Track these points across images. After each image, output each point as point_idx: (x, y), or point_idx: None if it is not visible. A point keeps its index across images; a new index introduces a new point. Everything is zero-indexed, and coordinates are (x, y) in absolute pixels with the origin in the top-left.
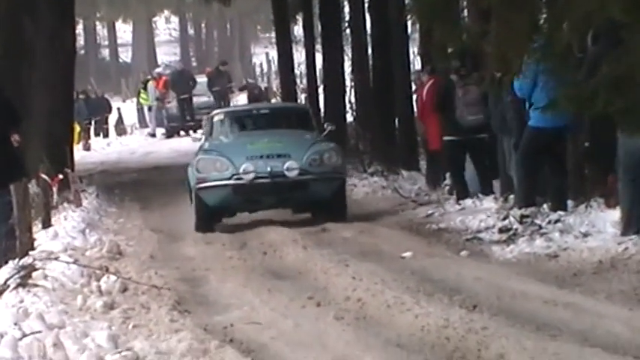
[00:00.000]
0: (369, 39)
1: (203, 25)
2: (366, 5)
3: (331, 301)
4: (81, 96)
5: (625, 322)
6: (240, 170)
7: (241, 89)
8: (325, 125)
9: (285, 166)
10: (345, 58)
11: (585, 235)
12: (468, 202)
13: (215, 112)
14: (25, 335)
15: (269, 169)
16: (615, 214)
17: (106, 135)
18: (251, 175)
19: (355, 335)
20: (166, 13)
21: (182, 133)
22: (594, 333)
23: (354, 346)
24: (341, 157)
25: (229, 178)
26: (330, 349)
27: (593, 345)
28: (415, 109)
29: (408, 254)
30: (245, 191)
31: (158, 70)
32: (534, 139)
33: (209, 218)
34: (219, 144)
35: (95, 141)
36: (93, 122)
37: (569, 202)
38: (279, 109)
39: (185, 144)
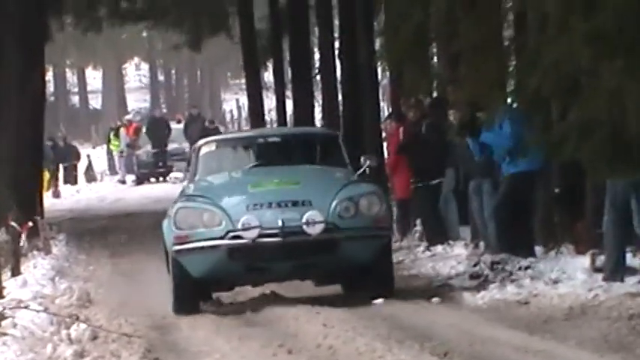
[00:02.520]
0: (339, 85)
1: (173, 71)
2: (336, 52)
3: (302, 348)
4: (48, 142)
5: None
6: (239, 225)
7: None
8: (362, 159)
9: (304, 219)
10: (316, 104)
11: (556, 281)
12: (439, 248)
13: (203, 141)
14: None
15: (280, 222)
16: (585, 260)
17: (74, 182)
18: (254, 232)
19: None
20: (136, 59)
21: (152, 179)
22: None
23: None
24: (385, 204)
25: (223, 237)
26: None
27: None
28: (385, 157)
29: (379, 301)
30: (246, 255)
31: (128, 116)
32: (513, 185)
33: (193, 295)
34: (208, 187)
35: (64, 188)
36: (62, 169)
37: (539, 249)
38: (296, 135)
39: (156, 190)
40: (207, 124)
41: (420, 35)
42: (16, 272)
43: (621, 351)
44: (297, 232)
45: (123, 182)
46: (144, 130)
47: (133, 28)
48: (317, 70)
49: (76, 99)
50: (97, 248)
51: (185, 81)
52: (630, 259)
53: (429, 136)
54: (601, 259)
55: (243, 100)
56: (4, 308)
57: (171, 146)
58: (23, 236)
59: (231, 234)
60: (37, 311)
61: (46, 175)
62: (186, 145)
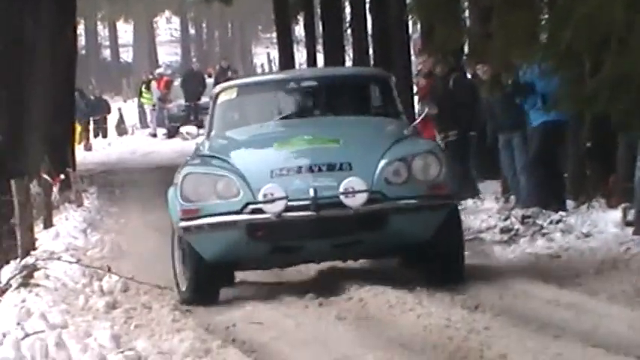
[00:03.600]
0: (370, 39)
1: (204, 25)
2: (367, 5)
3: (333, 302)
4: (79, 95)
5: (627, 322)
6: (260, 195)
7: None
8: (419, 107)
9: (342, 187)
10: (347, 58)
11: (587, 235)
12: (469, 202)
13: (222, 86)
14: (27, 335)
15: (312, 192)
16: (617, 213)
17: (105, 135)
18: (279, 205)
19: (357, 335)
20: (167, 13)
21: (184, 132)
22: (596, 333)
23: (356, 345)
24: (445, 165)
25: (241, 211)
26: (332, 349)
27: (595, 345)
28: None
29: None
30: (270, 234)
31: (159, 70)
32: (544, 134)
33: (206, 282)
34: (226, 146)
35: (95, 141)
36: (92, 122)
37: (571, 202)
38: (337, 77)
39: (187, 144)
40: (230, 74)
41: None
42: (48, 224)
43: None
44: (332, 203)
45: (154, 135)
46: (176, 83)
47: None
48: (348, 24)
49: (107, 52)
50: (129, 201)
51: (216, 34)
52: None
53: (456, 90)
54: (632, 213)
55: (274, 54)
56: (37, 260)
57: (203, 100)
58: (55, 189)
59: (251, 207)
60: (70, 262)
61: (78, 128)
62: None
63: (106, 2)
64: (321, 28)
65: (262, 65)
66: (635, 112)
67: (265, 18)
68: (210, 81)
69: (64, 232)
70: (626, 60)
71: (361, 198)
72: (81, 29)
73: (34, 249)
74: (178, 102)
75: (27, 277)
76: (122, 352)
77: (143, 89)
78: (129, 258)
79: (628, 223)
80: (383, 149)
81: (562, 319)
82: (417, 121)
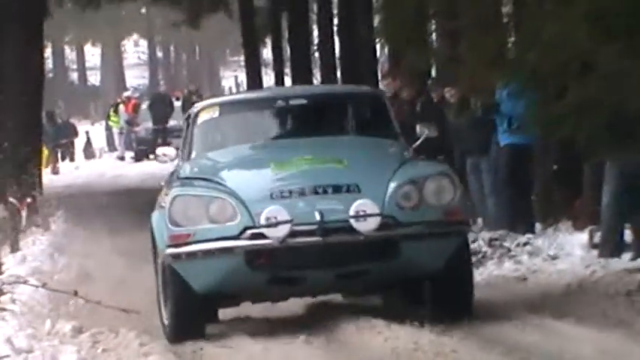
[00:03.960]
0: (337, 62)
1: (172, 48)
2: (335, 28)
3: (302, 325)
4: (46, 119)
5: (594, 344)
6: (262, 219)
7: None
8: (418, 129)
9: (352, 210)
10: (314, 81)
11: (554, 257)
12: None
13: (201, 104)
14: None
15: (318, 215)
16: (583, 236)
17: (72, 159)
18: (283, 229)
19: (326, 359)
20: (135, 36)
21: (151, 156)
22: (563, 356)
23: None
24: (459, 189)
25: (239, 236)
26: None
27: None
28: None
29: None
30: (271, 262)
31: (127, 93)
32: (510, 157)
33: (196, 317)
34: (213, 167)
35: (63, 165)
36: (60, 146)
37: (538, 225)
38: (328, 95)
39: (155, 167)
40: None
41: (420, 12)
42: (15, 248)
43: (620, 327)
44: (341, 228)
45: (122, 159)
46: (143, 106)
47: (132, 4)
48: (315, 47)
49: (74, 76)
50: (96, 224)
51: (184, 58)
52: (627, 236)
53: (424, 113)
54: (598, 236)
55: (242, 77)
56: (3, 284)
57: (171, 123)
58: (22, 213)
59: (251, 231)
60: (36, 287)
61: (45, 152)
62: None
63: (74, 25)
64: (289, 50)
65: (230, 88)
66: (600, 137)
67: (233, 41)
68: (177, 104)
69: (30, 256)
70: (589, 85)
71: (374, 222)
72: (48, 52)
73: (1, 273)
74: (146, 125)
75: None
76: None
77: (111, 112)
78: (96, 282)
79: (594, 246)
80: (391, 170)
81: (529, 343)
82: (417, 143)
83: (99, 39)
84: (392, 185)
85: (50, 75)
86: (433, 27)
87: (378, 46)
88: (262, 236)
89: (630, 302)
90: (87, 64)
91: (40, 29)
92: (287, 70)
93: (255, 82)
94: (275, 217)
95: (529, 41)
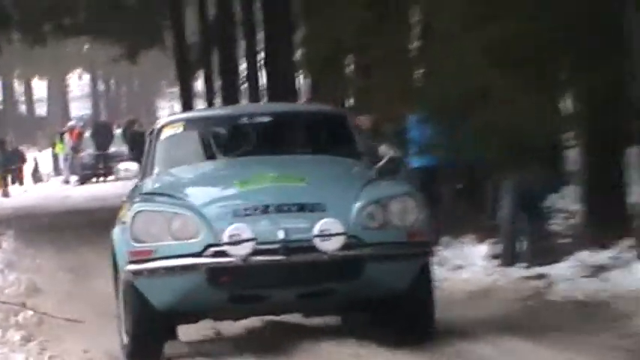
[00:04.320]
0: (265, 92)
1: (112, 81)
2: (261, 62)
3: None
4: None
5: (493, 345)
6: (225, 236)
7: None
8: (380, 150)
9: (317, 229)
10: None
11: (459, 267)
12: None
13: (164, 120)
14: None
15: (282, 234)
16: (485, 248)
17: (21, 183)
18: (246, 247)
19: None
20: (79, 70)
21: (94, 180)
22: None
23: None
24: (423, 210)
25: (201, 253)
26: None
27: None
28: None
29: None
30: (233, 280)
31: (71, 123)
32: (421, 178)
33: (155, 334)
34: (175, 183)
35: (13, 188)
36: (9, 171)
37: (444, 239)
38: (292, 114)
39: (98, 189)
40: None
41: (336, 47)
42: None
43: (516, 329)
44: (305, 247)
45: (67, 182)
46: (87, 134)
47: (76, 41)
48: (244, 79)
49: (23, 107)
50: (44, 243)
51: (124, 90)
52: (522, 247)
53: None
54: (498, 247)
55: (178, 107)
56: None
57: (111, 149)
58: None
59: (213, 249)
60: None
61: None
62: (124, 148)
63: (22, 61)
64: (219, 82)
65: None
66: (497, 159)
67: (169, 74)
68: (118, 132)
69: None
70: (488, 112)
71: (338, 241)
72: None
73: None
74: (89, 151)
75: None
76: None
77: (57, 140)
78: (44, 295)
79: (495, 257)
80: (356, 190)
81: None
82: (381, 163)
83: (45, 73)
84: (357, 205)
85: (0, 107)
86: (348, 61)
87: (300, 78)
88: (225, 254)
89: (527, 307)
90: (34, 97)
91: None
92: (218, 100)
93: (188, 110)
94: (238, 235)
95: (434, 73)
